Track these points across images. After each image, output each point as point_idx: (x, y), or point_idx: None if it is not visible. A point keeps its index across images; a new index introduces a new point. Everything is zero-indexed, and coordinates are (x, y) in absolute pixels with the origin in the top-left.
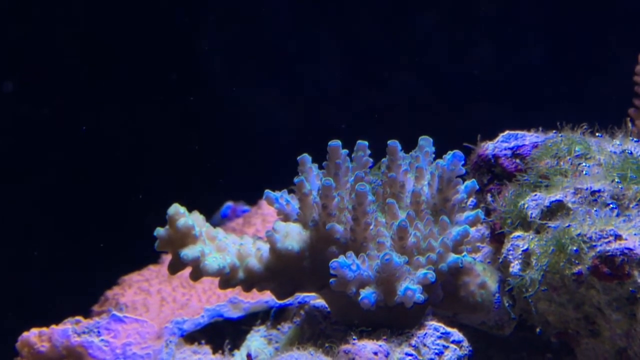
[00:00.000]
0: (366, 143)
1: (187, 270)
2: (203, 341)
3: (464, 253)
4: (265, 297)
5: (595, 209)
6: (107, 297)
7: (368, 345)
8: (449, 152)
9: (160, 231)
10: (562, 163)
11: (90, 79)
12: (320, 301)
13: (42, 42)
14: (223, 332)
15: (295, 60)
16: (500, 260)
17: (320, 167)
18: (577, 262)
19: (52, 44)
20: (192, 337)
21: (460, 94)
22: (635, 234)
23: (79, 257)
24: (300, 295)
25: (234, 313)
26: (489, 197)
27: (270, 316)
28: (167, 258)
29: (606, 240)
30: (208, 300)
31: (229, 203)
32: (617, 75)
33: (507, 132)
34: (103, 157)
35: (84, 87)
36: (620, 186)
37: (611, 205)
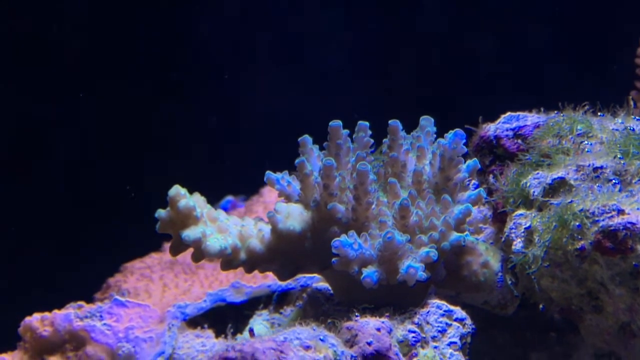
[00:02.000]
0: (367, 124)
1: (189, 257)
2: (206, 325)
3: (466, 232)
4: (268, 281)
5: (597, 185)
6: (110, 284)
7: (371, 322)
8: (451, 131)
9: (161, 212)
10: (564, 142)
11: (91, 72)
12: (322, 284)
13: (43, 39)
14: (226, 316)
15: (297, 53)
16: (503, 239)
17: (322, 149)
18: (579, 237)
19: (54, 41)
20: (194, 322)
21: (463, 81)
22: (638, 209)
23: (80, 246)
24: (303, 279)
25: (237, 297)
26: (490, 178)
27: (273, 300)
28: (169, 246)
29: (609, 215)
30: (210, 286)
31: (229, 197)
32: (620, 59)
33: (508, 113)
34: (105, 148)
35: (86, 80)
36: (622, 162)
37: (613, 181)
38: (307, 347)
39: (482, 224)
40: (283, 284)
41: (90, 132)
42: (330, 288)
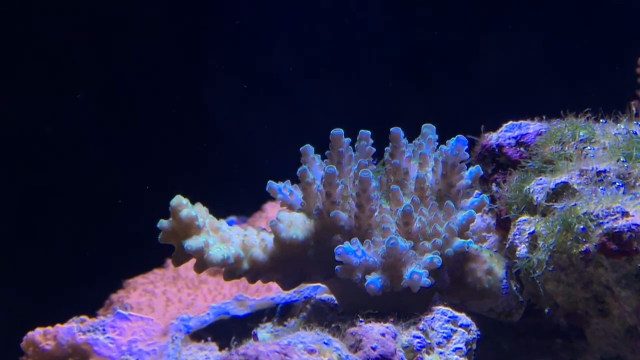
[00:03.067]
0: (369, 132)
1: (192, 272)
2: (209, 338)
3: (470, 239)
4: (271, 294)
5: (601, 188)
6: (112, 300)
7: (375, 327)
8: (453, 137)
9: (163, 223)
10: (566, 148)
11: (100, 91)
12: (326, 295)
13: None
14: (229, 329)
15: (296, 81)
16: (507, 245)
17: (324, 159)
18: (584, 240)
19: (55, 41)
20: (198, 335)
21: (464, 89)
22: None
23: (83, 262)
24: (306, 290)
25: (240, 310)
26: (493, 187)
27: (277, 313)
28: (172, 256)
29: (613, 217)
30: (214, 300)
31: (232, 218)
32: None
33: (510, 122)
34: (105, 167)
35: (96, 97)
36: (625, 165)
37: (617, 184)
38: (312, 351)
39: (485, 233)
40: (287, 296)
41: (91, 145)
42: (334, 298)
